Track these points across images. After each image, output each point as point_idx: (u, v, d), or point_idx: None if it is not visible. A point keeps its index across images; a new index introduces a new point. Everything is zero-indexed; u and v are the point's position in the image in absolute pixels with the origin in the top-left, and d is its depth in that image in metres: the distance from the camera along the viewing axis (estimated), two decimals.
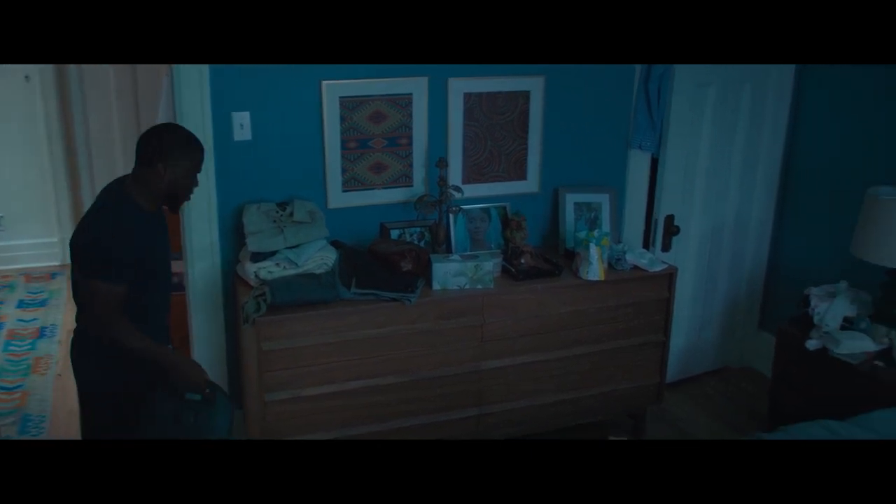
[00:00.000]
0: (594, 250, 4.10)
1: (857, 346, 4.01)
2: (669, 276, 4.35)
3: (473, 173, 4.35)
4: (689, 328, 5.09)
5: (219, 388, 3.26)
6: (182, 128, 3.15)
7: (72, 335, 3.19)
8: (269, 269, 3.74)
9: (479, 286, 3.96)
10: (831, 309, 4.18)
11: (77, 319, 3.16)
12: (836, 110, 4.72)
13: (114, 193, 3.04)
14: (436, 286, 3.93)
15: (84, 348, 3.12)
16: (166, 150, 2.98)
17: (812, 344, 4.12)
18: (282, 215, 3.87)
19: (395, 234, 4.19)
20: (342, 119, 4.02)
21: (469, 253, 4.14)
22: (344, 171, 4.10)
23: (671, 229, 4.77)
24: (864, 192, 4.06)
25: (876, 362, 3.94)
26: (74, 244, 2.96)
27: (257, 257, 3.77)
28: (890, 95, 4.34)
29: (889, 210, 3.88)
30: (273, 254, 3.77)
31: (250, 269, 3.76)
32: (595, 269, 4.12)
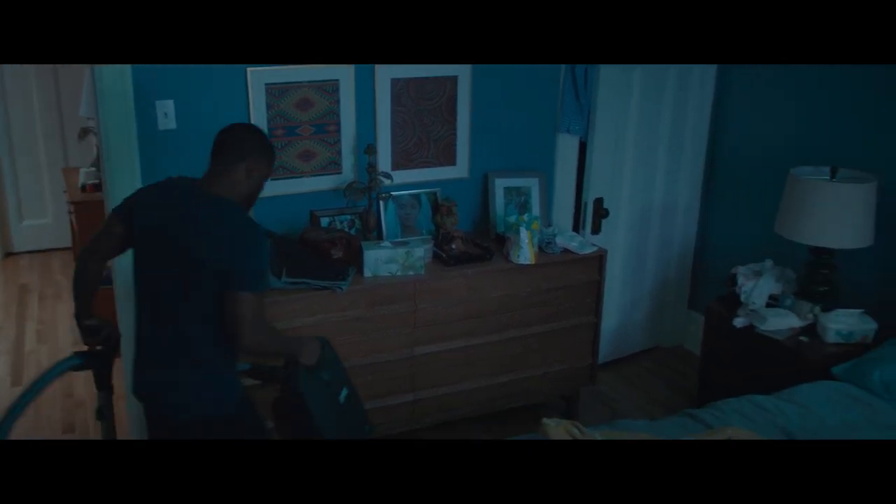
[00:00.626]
0: (524, 234, 4.12)
1: (782, 322, 4.10)
2: (599, 259, 4.39)
3: (403, 159, 4.33)
4: (620, 309, 5.15)
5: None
6: (259, 128, 3.04)
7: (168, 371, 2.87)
8: None
9: (411, 272, 3.96)
10: (757, 287, 4.26)
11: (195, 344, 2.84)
12: (759, 93, 4.80)
13: (224, 201, 2.83)
14: (367, 273, 3.91)
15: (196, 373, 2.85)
16: (252, 150, 2.88)
17: (739, 322, 4.20)
18: None
19: (325, 221, 4.15)
20: (269, 106, 3.97)
21: (400, 239, 4.13)
22: None
23: (600, 212, 4.81)
24: (786, 172, 4.14)
25: (801, 338, 4.03)
26: (238, 266, 2.71)
27: None
28: (810, 78, 4.42)
29: (810, 190, 3.96)
30: None
31: None
32: (526, 253, 4.14)
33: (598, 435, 2.93)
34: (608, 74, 4.56)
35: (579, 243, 4.36)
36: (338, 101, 4.09)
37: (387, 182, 4.15)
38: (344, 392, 3.13)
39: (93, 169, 5.64)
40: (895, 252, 4.15)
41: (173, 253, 2.75)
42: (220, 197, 2.82)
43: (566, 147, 4.74)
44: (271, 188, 4.04)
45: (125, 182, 3.75)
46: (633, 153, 4.88)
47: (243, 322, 2.70)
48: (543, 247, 4.28)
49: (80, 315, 3.04)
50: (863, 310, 4.08)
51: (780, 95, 4.67)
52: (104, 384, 3.15)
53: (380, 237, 4.21)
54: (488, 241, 4.39)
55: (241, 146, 2.87)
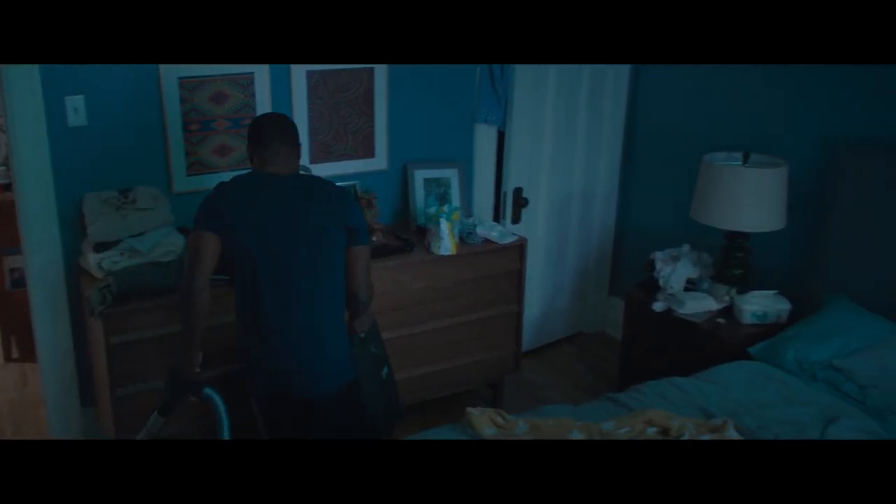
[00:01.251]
0: (445, 225, 4.13)
1: (700, 305, 4.18)
2: (520, 248, 4.43)
3: (321, 152, 4.30)
4: (543, 297, 5.20)
5: None
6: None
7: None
8: (113, 259, 3.61)
9: None
10: (675, 272, 4.33)
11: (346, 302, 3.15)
12: (674, 80, 4.87)
13: (313, 177, 3.29)
14: None
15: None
16: (297, 134, 3.15)
17: (658, 306, 4.27)
18: (124, 202, 3.74)
19: None
20: (182, 101, 3.91)
21: None
22: (187, 154, 3.99)
23: (520, 201, 4.85)
24: (700, 159, 4.21)
25: (718, 320, 4.11)
26: (358, 222, 3.09)
27: (100, 247, 3.63)
28: (721, 69, 4.50)
29: (724, 175, 4.04)
30: (117, 243, 3.64)
31: (93, 260, 3.62)
32: (447, 244, 4.15)
33: (521, 422, 2.95)
34: (524, 65, 4.58)
35: (500, 233, 4.39)
36: (253, 95, 4.05)
37: None
38: (385, 369, 3.29)
39: (2, 168, 5.48)
40: (806, 234, 4.27)
41: (301, 234, 2.96)
42: (307, 175, 3.23)
43: (484, 137, 4.76)
44: (187, 184, 4.01)
45: (35, 181, 3.66)
46: (551, 142, 4.92)
47: (368, 271, 3.13)
48: (464, 237, 4.30)
49: (195, 353, 3.08)
50: (777, 291, 4.18)
51: (693, 85, 4.76)
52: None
53: None
54: (409, 233, 4.39)
55: (293, 133, 3.12)
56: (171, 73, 3.84)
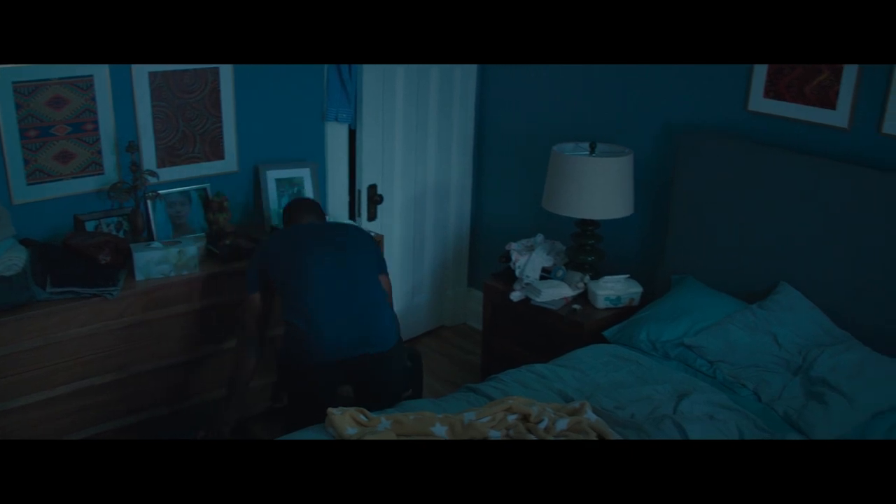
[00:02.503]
0: None
1: (555, 293, 4.26)
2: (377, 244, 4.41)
3: (168, 156, 4.18)
4: (402, 293, 5.20)
5: None
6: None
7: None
8: None
9: (185, 272, 3.84)
10: (530, 261, 4.40)
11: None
12: (521, 76, 4.95)
13: (343, 223, 4.20)
14: (139, 276, 3.76)
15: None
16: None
17: (515, 296, 4.33)
18: None
19: (90, 225, 3.96)
20: (18, 106, 3.72)
21: (172, 239, 4.00)
22: (26, 162, 3.80)
23: (375, 199, 4.84)
24: (549, 149, 4.30)
25: (574, 306, 4.20)
26: (379, 253, 3.87)
27: None
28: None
29: (572, 165, 4.13)
30: None
31: None
32: None
33: (383, 419, 2.95)
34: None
35: None
36: (94, 98, 3.90)
37: (153, 180, 4.00)
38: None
39: None
40: (653, 219, 4.41)
41: (347, 260, 3.64)
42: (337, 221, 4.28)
43: (336, 135, 4.73)
44: (28, 194, 3.83)
45: None
46: (403, 138, 4.93)
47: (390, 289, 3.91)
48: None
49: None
50: (628, 275, 4.30)
51: (540, 80, 4.84)
52: None
53: (150, 238, 4.06)
54: (264, 235, 4.32)
55: (320, 209, 3.97)
56: (4, 78, 3.65)
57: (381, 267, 3.79)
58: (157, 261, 3.78)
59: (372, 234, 4.13)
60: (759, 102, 3.91)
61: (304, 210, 3.90)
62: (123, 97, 3.98)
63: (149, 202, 4.06)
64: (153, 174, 4.00)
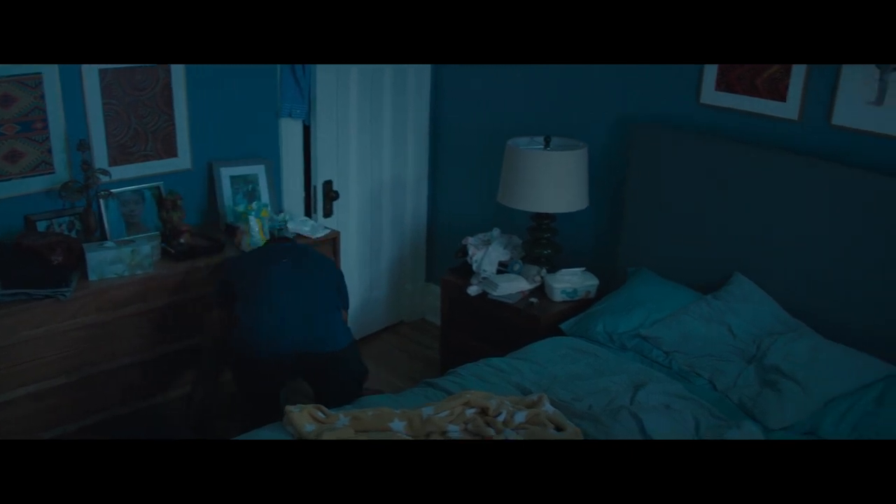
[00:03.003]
0: (254, 223, 4.07)
1: (512, 287, 4.27)
2: (333, 241, 4.41)
3: (120, 154, 4.13)
4: (361, 289, 5.19)
5: None
6: None
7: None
8: None
9: (139, 271, 3.80)
10: (487, 256, 4.41)
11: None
12: (475, 72, 4.95)
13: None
14: (92, 276, 3.71)
15: None
16: None
17: (473, 290, 4.34)
18: None
19: (42, 225, 3.90)
20: None
21: (125, 238, 3.95)
22: None
23: (331, 195, 4.82)
24: (504, 144, 4.31)
25: (531, 300, 4.22)
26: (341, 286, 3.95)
27: None
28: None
29: (527, 159, 4.15)
30: None
31: None
32: (257, 242, 4.09)
33: (341, 415, 2.94)
34: None
35: (311, 227, 4.36)
36: (43, 96, 3.84)
37: (105, 179, 3.95)
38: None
39: None
40: (608, 211, 4.44)
41: (309, 273, 3.78)
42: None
43: (290, 132, 4.70)
44: None
45: None
46: (358, 134, 4.91)
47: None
48: (275, 234, 4.24)
49: None
50: (584, 268, 4.32)
51: (495, 75, 4.85)
52: None
53: (103, 237, 4.01)
54: (219, 233, 4.30)
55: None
56: None
57: (343, 301, 3.94)
58: (110, 260, 3.73)
59: (335, 264, 4.23)
60: (711, 95, 3.95)
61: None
62: (73, 95, 3.93)
63: (101, 201, 4.01)
64: (105, 173, 3.96)
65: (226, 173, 4.43)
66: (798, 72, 3.65)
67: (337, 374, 3.66)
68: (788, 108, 3.71)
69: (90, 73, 3.94)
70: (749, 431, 2.96)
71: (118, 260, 3.75)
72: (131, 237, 3.98)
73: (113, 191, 4.06)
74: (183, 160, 4.35)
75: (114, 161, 4.10)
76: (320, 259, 3.92)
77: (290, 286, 3.68)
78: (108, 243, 3.81)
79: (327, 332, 3.67)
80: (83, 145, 3.85)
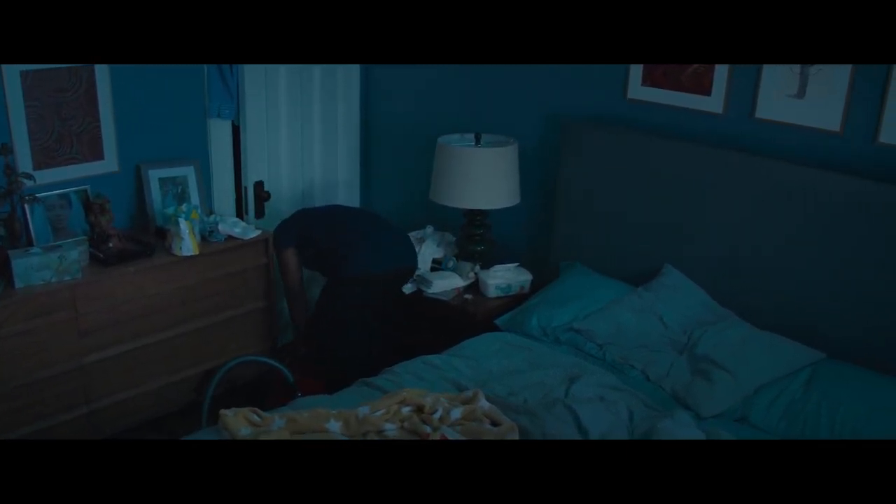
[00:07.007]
0: (184, 225, 4.02)
1: (447, 284, 4.29)
2: (265, 242, 4.38)
3: (44, 157, 4.04)
4: None
5: None
6: None
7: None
8: None
9: (67, 277, 3.74)
10: (420, 253, 4.42)
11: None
12: (405, 70, 4.95)
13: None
14: (18, 284, 3.64)
15: None
16: None
17: (408, 288, 4.34)
18: None
19: None
20: None
21: (51, 244, 3.88)
22: None
23: (262, 195, 4.78)
24: (435, 141, 4.32)
25: (466, 296, 4.24)
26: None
27: None
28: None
29: (458, 156, 4.17)
30: None
31: None
32: (188, 245, 4.04)
33: (277, 417, 2.92)
34: None
35: (243, 229, 4.33)
36: None
37: (29, 183, 3.87)
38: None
39: None
40: (540, 207, 4.48)
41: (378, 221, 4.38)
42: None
43: (219, 132, 4.65)
44: None
45: None
46: (288, 133, 4.87)
47: None
48: (206, 236, 4.20)
49: None
50: (517, 263, 4.36)
51: (425, 74, 4.85)
52: None
53: (29, 243, 3.92)
54: (148, 236, 4.24)
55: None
56: None
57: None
58: (37, 267, 3.66)
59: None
60: (637, 90, 4.01)
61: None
62: None
63: (26, 206, 3.92)
64: (29, 177, 3.87)
65: (154, 175, 4.37)
66: (722, 67, 3.72)
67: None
68: (713, 102, 3.78)
69: (11, 75, 3.86)
70: (682, 420, 3.01)
71: (46, 266, 3.68)
72: (58, 242, 3.90)
73: (38, 195, 3.97)
74: (110, 162, 4.27)
75: (38, 165, 4.01)
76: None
77: (366, 220, 4.32)
78: (35, 249, 3.74)
79: (406, 249, 4.27)
80: (5, 149, 3.77)
